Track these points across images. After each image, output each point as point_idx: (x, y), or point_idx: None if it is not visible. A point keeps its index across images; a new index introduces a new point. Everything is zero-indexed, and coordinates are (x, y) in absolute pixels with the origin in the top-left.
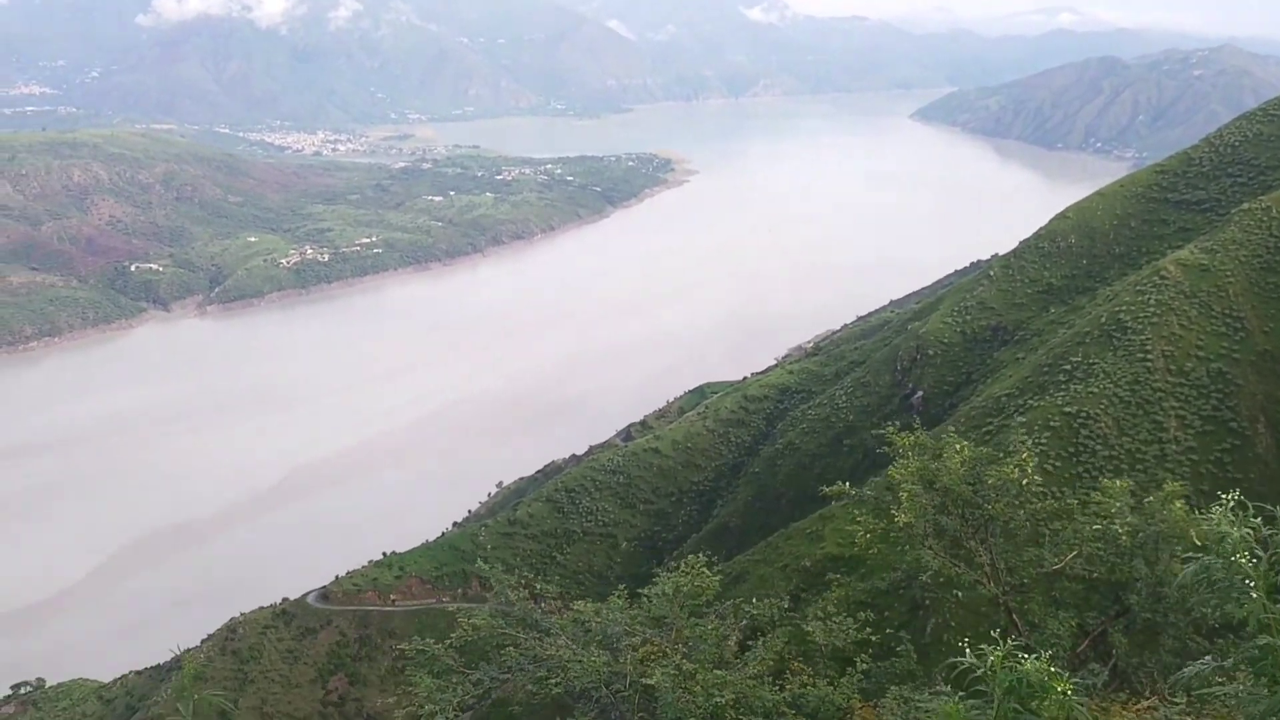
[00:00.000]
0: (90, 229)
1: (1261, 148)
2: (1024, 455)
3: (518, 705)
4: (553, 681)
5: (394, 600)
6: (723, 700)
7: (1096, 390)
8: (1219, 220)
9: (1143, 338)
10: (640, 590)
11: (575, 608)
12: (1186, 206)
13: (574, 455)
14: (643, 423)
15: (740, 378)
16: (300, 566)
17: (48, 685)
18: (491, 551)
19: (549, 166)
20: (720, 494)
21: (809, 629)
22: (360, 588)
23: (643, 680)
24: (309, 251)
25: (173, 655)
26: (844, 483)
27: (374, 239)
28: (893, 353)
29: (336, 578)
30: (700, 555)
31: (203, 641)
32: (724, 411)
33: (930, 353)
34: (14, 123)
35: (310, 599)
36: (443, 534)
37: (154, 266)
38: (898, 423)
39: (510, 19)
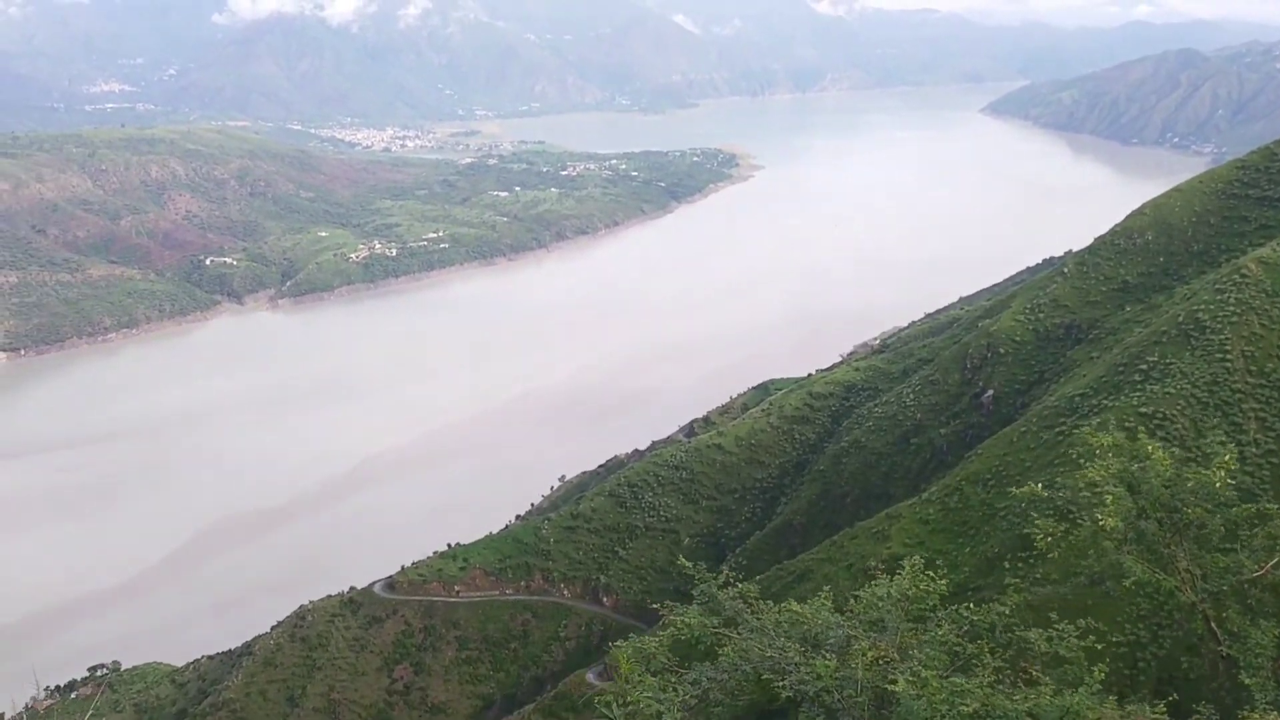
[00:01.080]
0: (167, 223)
1: None
2: (1226, 457)
3: (719, 707)
4: (780, 684)
5: (458, 591)
6: (968, 710)
7: (1173, 391)
8: None
9: (1222, 337)
10: (854, 593)
11: (791, 608)
12: (1268, 203)
13: (636, 450)
14: (706, 419)
15: (805, 374)
16: (367, 556)
17: (123, 668)
18: (555, 545)
19: (613, 162)
20: (784, 491)
21: (1030, 637)
22: (425, 578)
23: (885, 686)
24: (377, 246)
25: (243, 643)
26: (1036, 484)
27: (440, 234)
28: (962, 350)
29: (402, 568)
30: (917, 558)
31: (273, 628)
32: (789, 408)
33: (1001, 351)
34: (94, 119)
35: (377, 588)
36: (506, 527)
37: (228, 260)
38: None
39: (576, 15)
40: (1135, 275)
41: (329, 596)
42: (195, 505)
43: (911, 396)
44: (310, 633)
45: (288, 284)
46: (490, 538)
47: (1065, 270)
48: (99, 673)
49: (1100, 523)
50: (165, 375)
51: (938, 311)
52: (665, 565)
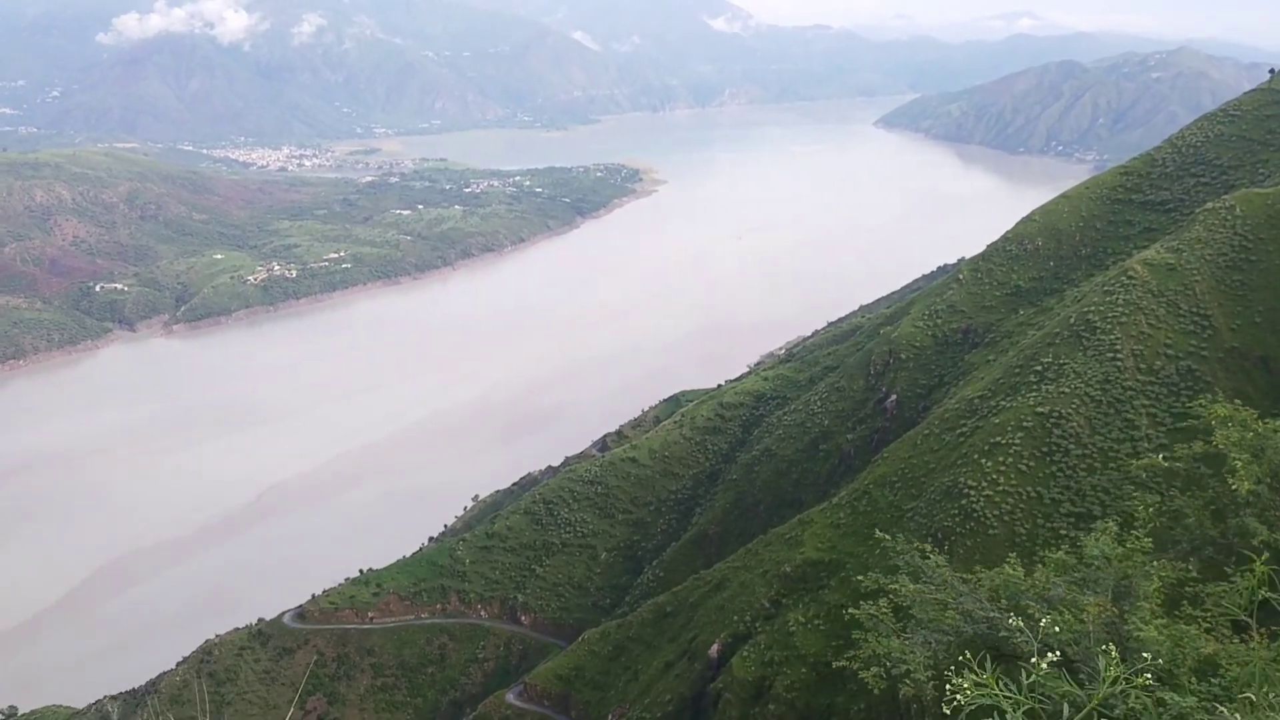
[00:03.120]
0: (54, 249)
1: (1223, 148)
2: None
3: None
4: (1018, 640)
5: (371, 618)
6: (1206, 651)
7: (1068, 390)
8: (1184, 220)
9: (1112, 337)
10: (1056, 554)
11: (1005, 572)
12: (1151, 207)
13: (550, 467)
14: (619, 433)
15: (715, 385)
16: (275, 586)
17: (19, 713)
18: (470, 566)
19: (517, 178)
20: (699, 502)
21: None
22: (337, 606)
23: (1133, 632)
24: (276, 268)
25: (148, 680)
26: (1158, 455)
27: (342, 254)
28: (866, 357)
29: (313, 596)
30: (1110, 522)
31: (178, 664)
32: (700, 419)
33: (903, 356)
34: None
35: (286, 619)
36: (419, 549)
37: (119, 286)
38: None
39: (475, 32)
40: (1027, 280)
41: (236, 629)
42: (91, 542)
43: (819, 404)
44: (218, 667)
45: (183, 309)
46: (403, 561)
47: (960, 277)
48: None
49: (1234, 487)
50: (55, 408)
51: (840, 320)
52: (583, 581)
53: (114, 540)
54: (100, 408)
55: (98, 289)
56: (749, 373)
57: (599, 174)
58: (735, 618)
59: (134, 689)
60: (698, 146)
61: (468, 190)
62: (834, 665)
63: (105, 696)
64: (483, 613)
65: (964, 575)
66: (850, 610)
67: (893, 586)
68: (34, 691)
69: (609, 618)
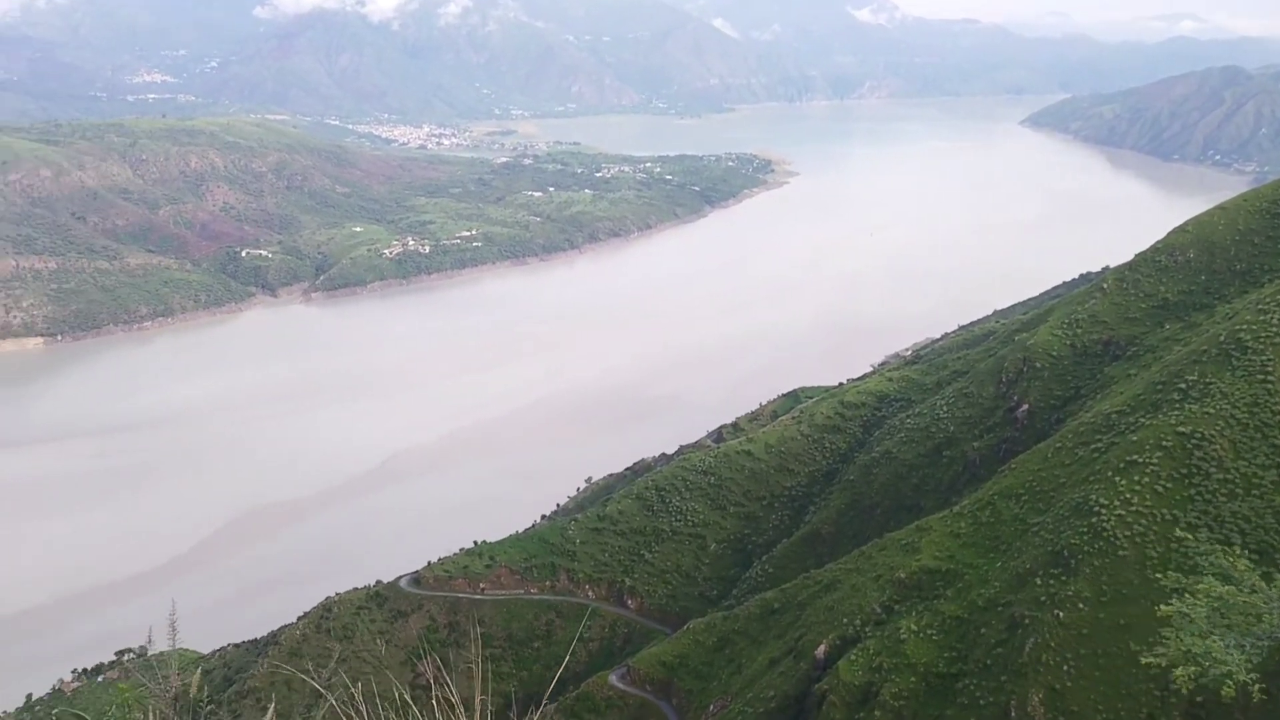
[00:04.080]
0: (205, 214)
1: None
2: None
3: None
4: None
5: (483, 589)
6: None
7: (1213, 411)
8: None
9: (1264, 358)
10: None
11: None
12: None
13: (664, 454)
14: (734, 424)
15: (836, 383)
16: (393, 550)
17: (150, 653)
18: (580, 546)
19: (648, 165)
20: (813, 500)
21: None
22: (451, 574)
23: None
24: (411, 243)
25: (269, 632)
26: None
27: (474, 232)
28: (998, 364)
29: (429, 563)
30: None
31: (299, 619)
32: (819, 417)
33: (1038, 365)
34: (136, 109)
35: (402, 582)
36: (532, 526)
37: (263, 253)
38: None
39: (616, 17)
40: (1176, 293)
41: (355, 589)
42: (225, 494)
43: (945, 408)
44: (336, 624)
45: (321, 278)
46: (516, 536)
47: (1104, 286)
48: (125, 656)
49: None
50: (199, 365)
51: (972, 324)
52: (691, 570)
53: (245, 494)
54: (239, 368)
55: (244, 254)
56: (872, 373)
57: (730, 163)
58: (845, 620)
59: (255, 639)
60: (833, 139)
61: (598, 175)
62: (1142, 661)
63: (229, 644)
64: (590, 593)
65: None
66: (1161, 607)
67: (1200, 587)
68: (163, 633)
69: (715, 609)
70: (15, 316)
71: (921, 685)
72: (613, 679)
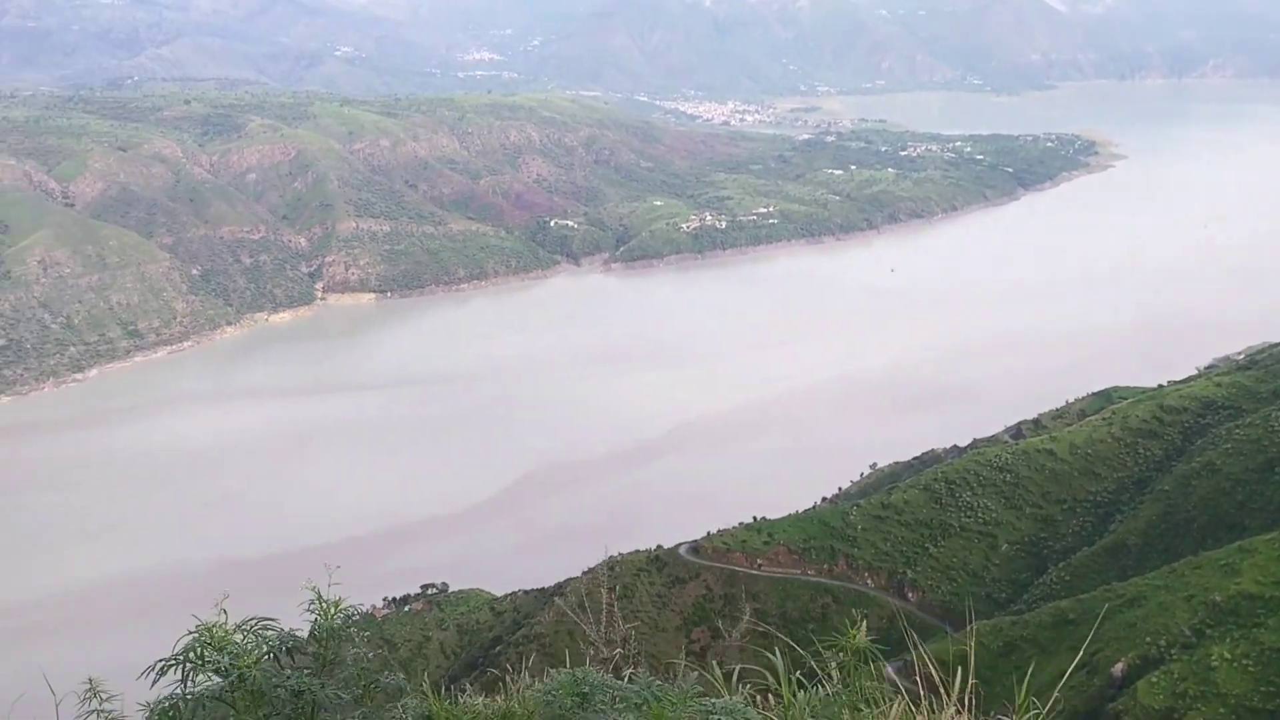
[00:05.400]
0: (519, 185)
1: None
2: None
3: None
4: None
5: (760, 565)
6: None
7: None
8: None
9: None
10: None
11: None
12: None
13: (956, 446)
14: (1036, 421)
15: (1155, 385)
16: (674, 517)
17: (450, 590)
18: (862, 533)
19: (957, 144)
20: (1119, 508)
21: None
22: (729, 547)
23: None
24: (708, 218)
25: (555, 582)
26: None
27: (770, 209)
28: None
29: (708, 534)
30: None
31: (584, 573)
32: (1134, 420)
33: None
34: (465, 85)
35: (682, 550)
36: (812, 507)
37: (570, 223)
38: None
39: None
40: None
41: (636, 551)
42: (523, 449)
43: None
44: (616, 583)
45: (621, 249)
46: (795, 516)
47: None
48: (429, 591)
49: None
50: (507, 326)
51: None
52: (978, 569)
53: (541, 450)
54: (542, 331)
55: (552, 224)
56: (1198, 376)
57: (1048, 144)
58: (1148, 639)
59: (543, 588)
60: (1168, 120)
61: (903, 153)
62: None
63: (519, 590)
64: (869, 581)
65: None
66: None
67: None
68: (462, 573)
69: (1003, 612)
70: (353, 273)
71: (1231, 718)
72: (889, 671)
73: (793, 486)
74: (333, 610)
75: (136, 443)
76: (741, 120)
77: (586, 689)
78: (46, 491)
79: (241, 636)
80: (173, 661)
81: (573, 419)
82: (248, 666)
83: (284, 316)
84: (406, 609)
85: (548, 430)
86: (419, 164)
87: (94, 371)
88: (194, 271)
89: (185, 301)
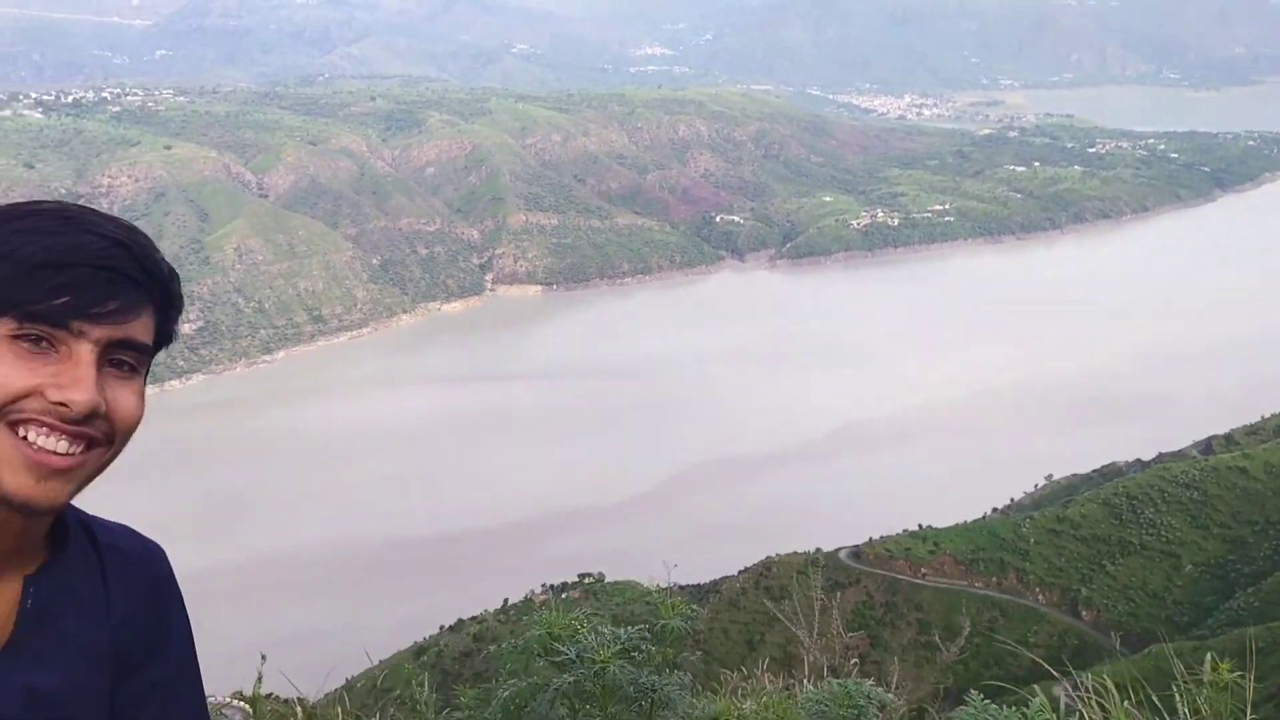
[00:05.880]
0: (686, 180)
1: None
2: None
3: None
4: None
5: (924, 574)
6: None
7: None
8: None
9: None
10: None
11: None
12: None
13: (1139, 460)
14: (1228, 436)
15: None
16: (834, 520)
17: (606, 580)
18: (1034, 546)
19: (1150, 141)
20: None
21: None
22: (892, 554)
23: None
24: (879, 214)
25: (711, 580)
26: None
27: (946, 206)
28: None
29: (869, 539)
30: None
31: (739, 572)
32: None
33: None
34: (636, 80)
35: (842, 554)
36: (982, 517)
37: (735, 218)
38: None
39: None
40: None
41: (794, 553)
42: (682, 443)
43: None
44: (774, 584)
45: (787, 245)
46: (963, 525)
47: None
48: (586, 580)
49: None
50: (668, 321)
51: None
52: (1160, 590)
53: (700, 445)
54: (704, 326)
55: (717, 219)
56: None
57: (1250, 142)
58: None
59: (698, 584)
60: None
61: (1091, 150)
62: None
63: (674, 584)
64: (1040, 597)
65: None
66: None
67: None
68: (618, 564)
69: (1184, 636)
70: (521, 265)
71: None
72: (1057, 691)
73: (961, 495)
74: (672, 609)
75: (316, 422)
76: (918, 114)
77: (861, 702)
78: (235, 465)
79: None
80: (521, 650)
81: (732, 416)
82: (606, 660)
83: (455, 306)
84: (564, 596)
85: (706, 426)
86: (588, 158)
87: (281, 354)
88: (374, 261)
89: (365, 290)
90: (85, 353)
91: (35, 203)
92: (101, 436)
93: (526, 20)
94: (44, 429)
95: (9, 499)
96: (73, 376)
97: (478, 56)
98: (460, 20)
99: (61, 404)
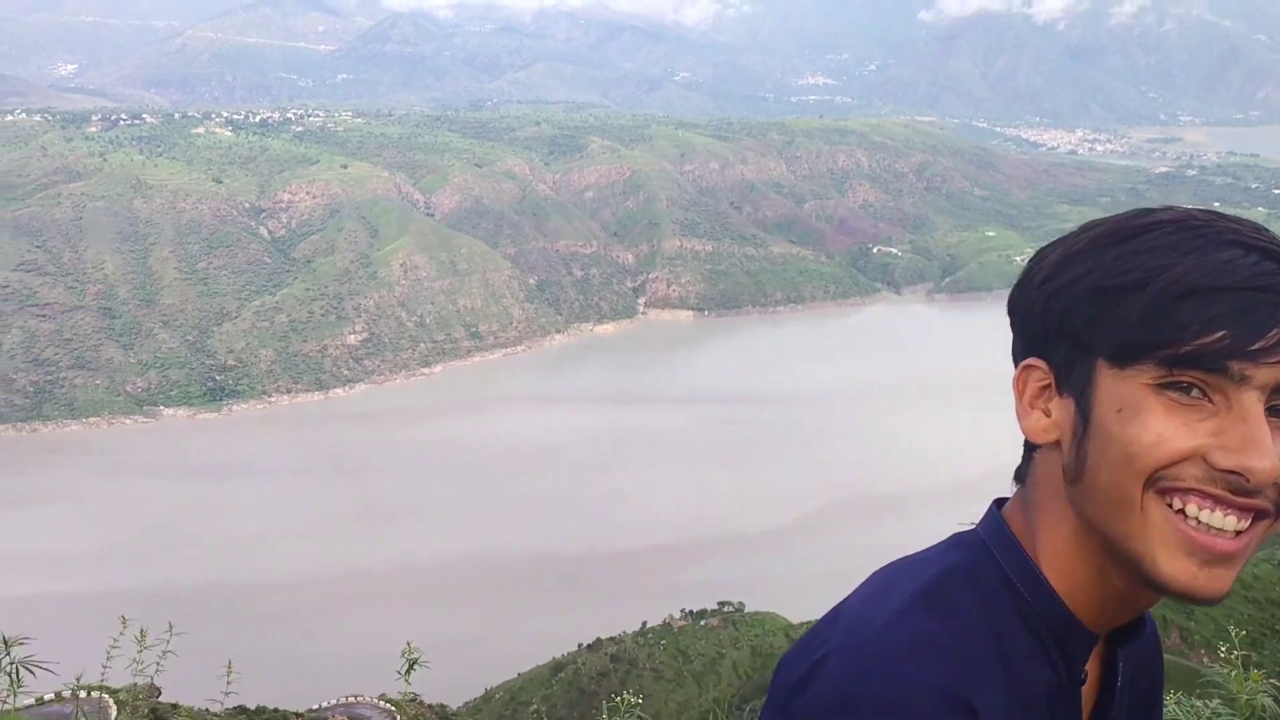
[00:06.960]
0: (844, 210)
1: None
2: None
3: None
4: None
5: None
6: None
7: None
8: None
9: None
10: None
11: None
12: None
13: None
14: None
15: None
16: None
17: (746, 610)
18: (1201, 607)
19: None
20: None
21: None
22: None
23: None
24: None
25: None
26: None
27: None
28: None
29: None
30: None
31: None
32: None
33: None
34: (797, 109)
35: None
36: None
37: (893, 250)
38: None
39: None
40: None
41: None
42: (829, 476)
43: None
44: None
45: (946, 280)
46: None
47: None
48: (725, 608)
49: None
50: (820, 351)
51: None
52: None
53: (847, 480)
54: (857, 359)
55: (875, 251)
56: None
57: None
58: None
59: None
60: None
61: (1277, 192)
62: None
63: (817, 620)
64: (1205, 659)
65: None
66: None
67: None
68: (759, 594)
69: None
70: (674, 290)
71: None
72: None
73: None
74: None
75: (468, 435)
76: (1090, 149)
77: None
78: (390, 472)
79: None
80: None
81: (884, 451)
82: None
83: (607, 328)
84: (703, 623)
85: (856, 460)
86: (745, 186)
87: (439, 367)
88: (531, 281)
89: (521, 308)
90: (1251, 403)
91: (1143, 212)
92: (1271, 507)
93: (690, 49)
94: (1209, 502)
95: (1164, 586)
96: (1242, 435)
97: (641, 83)
98: (625, 48)
99: (1234, 471)
